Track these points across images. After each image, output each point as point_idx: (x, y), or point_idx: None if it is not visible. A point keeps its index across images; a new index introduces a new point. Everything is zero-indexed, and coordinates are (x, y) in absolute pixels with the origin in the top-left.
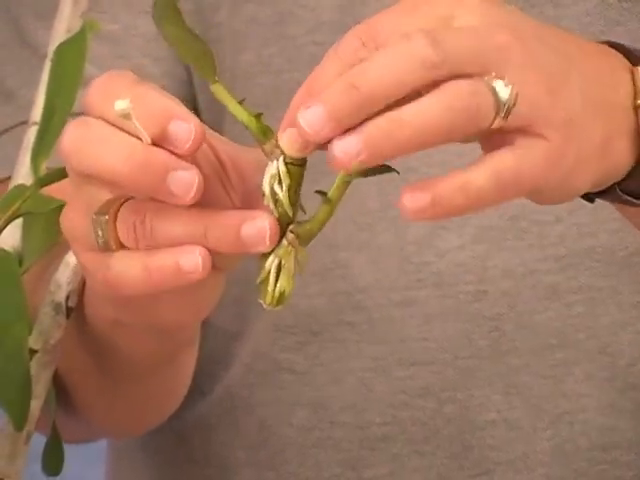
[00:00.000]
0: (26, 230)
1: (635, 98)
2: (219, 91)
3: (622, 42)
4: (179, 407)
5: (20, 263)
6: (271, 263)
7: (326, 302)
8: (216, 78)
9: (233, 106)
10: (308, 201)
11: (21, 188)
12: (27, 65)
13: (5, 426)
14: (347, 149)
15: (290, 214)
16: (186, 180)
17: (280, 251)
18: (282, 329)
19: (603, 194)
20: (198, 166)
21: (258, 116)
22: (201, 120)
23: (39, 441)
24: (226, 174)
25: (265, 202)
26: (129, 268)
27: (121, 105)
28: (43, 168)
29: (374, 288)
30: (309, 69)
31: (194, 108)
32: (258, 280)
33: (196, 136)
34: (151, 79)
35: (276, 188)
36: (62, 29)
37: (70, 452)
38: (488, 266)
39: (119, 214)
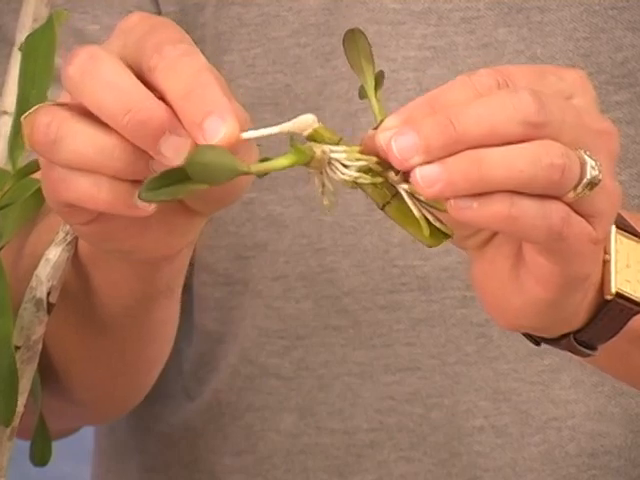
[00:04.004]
0: (3, 211)
1: (605, 252)
2: None
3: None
4: (166, 411)
5: None
6: (418, 209)
7: (312, 306)
8: None
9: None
10: None
11: None
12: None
13: None
14: (427, 177)
15: (381, 179)
16: (178, 144)
17: (409, 197)
18: (268, 333)
19: (553, 342)
20: None
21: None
22: None
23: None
24: None
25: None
26: (88, 180)
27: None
28: (21, 160)
29: (359, 291)
30: (293, 71)
31: None
32: (427, 233)
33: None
34: None
35: (364, 179)
36: (28, 19)
37: (60, 451)
38: None
39: (37, 111)
